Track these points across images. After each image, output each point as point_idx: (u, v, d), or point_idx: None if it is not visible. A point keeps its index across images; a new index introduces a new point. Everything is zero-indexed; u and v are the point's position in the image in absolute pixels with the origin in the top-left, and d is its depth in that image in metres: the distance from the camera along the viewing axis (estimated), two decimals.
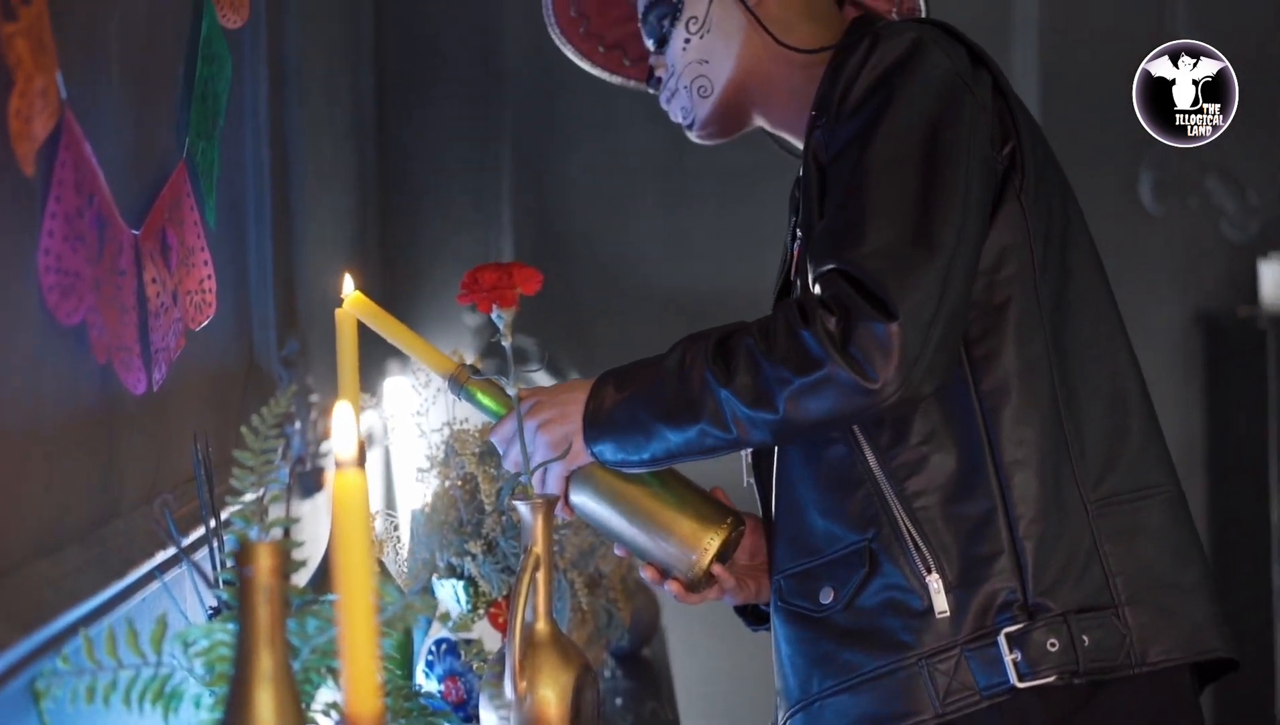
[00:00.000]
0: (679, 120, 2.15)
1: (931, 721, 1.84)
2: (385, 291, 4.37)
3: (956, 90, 1.86)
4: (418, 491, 2.44)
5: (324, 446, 3.05)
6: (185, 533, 1.81)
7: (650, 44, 2.15)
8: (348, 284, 1.97)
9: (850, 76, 1.88)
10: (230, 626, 1.41)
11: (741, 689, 4.07)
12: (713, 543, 1.97)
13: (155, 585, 1.75)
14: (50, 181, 1.44)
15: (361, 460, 1.94)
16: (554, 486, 1.96)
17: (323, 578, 1.93)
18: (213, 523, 1.77)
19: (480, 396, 2.00)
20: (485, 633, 2.38)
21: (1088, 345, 1.93)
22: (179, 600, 1.82)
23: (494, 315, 1.91)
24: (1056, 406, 1.87)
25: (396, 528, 2.36)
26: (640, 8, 2.15)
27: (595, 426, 1.91)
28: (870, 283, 1.75)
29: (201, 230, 1.95)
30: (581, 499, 1.98)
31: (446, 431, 2.32)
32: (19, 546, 1.45)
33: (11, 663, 1.35)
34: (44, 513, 1.52)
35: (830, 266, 1.79)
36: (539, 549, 1.91)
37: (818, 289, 1.80)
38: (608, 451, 1.92)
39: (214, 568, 1.75)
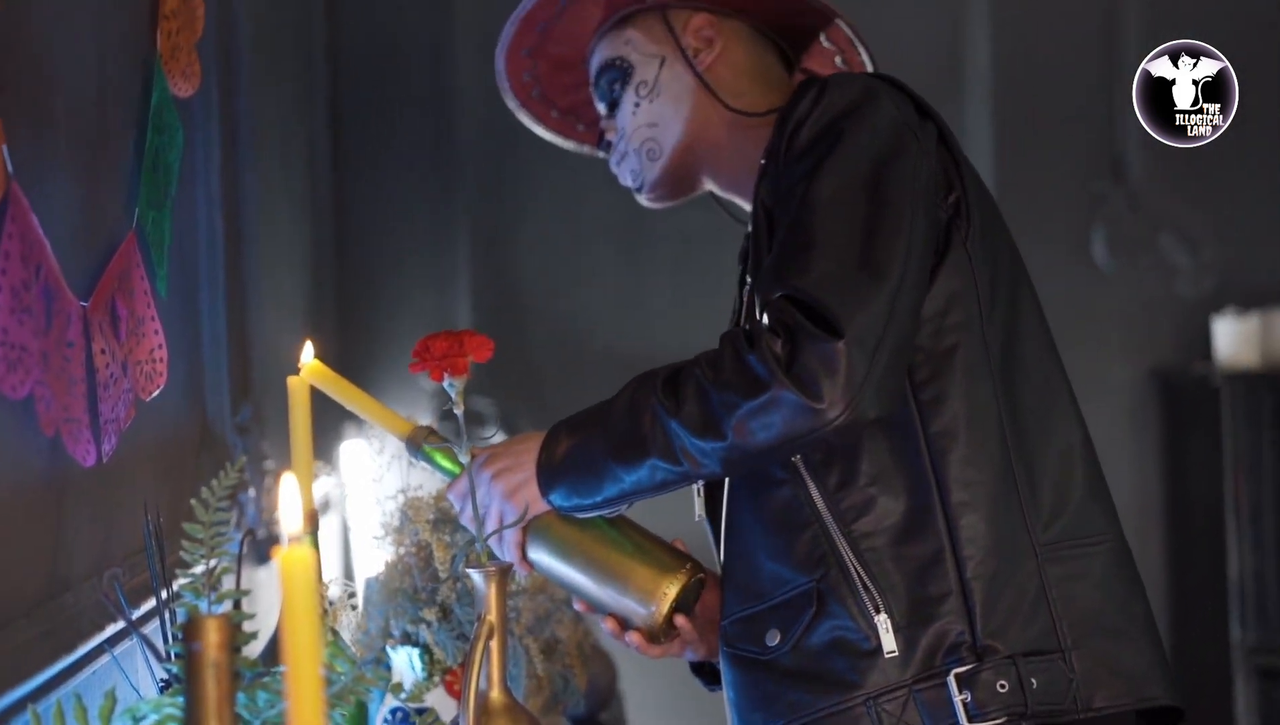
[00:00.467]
0: (628, 183, 2.17)
1: None
2: (342, 356, 4.35)
3: (903, 136, 1.88)
4: (374, 558, 2.43)
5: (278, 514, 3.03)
6: (136, 605, 1.79)
7: (601, 108, 2.16)
8: (307, 352, 1.97)
9: (799, 121, 1.90)
10: (180, 700, 1.40)
11: None
12: (671, 589, 1.97)
13: (105, 659, 1.74)
14: None
15: (314, 530, 1.94)
16: (510, 541, 1.96)
17: (276, 647, 1.92)
18: (164, 594, 1.76)
19: (437, 458, 2.00)
20: (441, 701, 2.36)
21: (1035, 393, 1.94)
22: (130, 674, 1.80)
23: (446, 383, 1.91)
24: (1006, 450, 1.88)
25: (352, 595, 2.35)
26: (592, 72, 2.17)
27: (549, 473, 1.91)
28: (816, 305, 1.76)
29: (152, 300, 1.94)
30: (538, 553, 1.98)
31: (401, 498, 2.31)
32: None
33: None
34: None
35: (777, 294, 1.80)
36: (493, 617, 1.90)
37: (765, 318, 1.81)
38: (562, 497, 1.92)
39: (165, 641, 1.74)
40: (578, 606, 2.06)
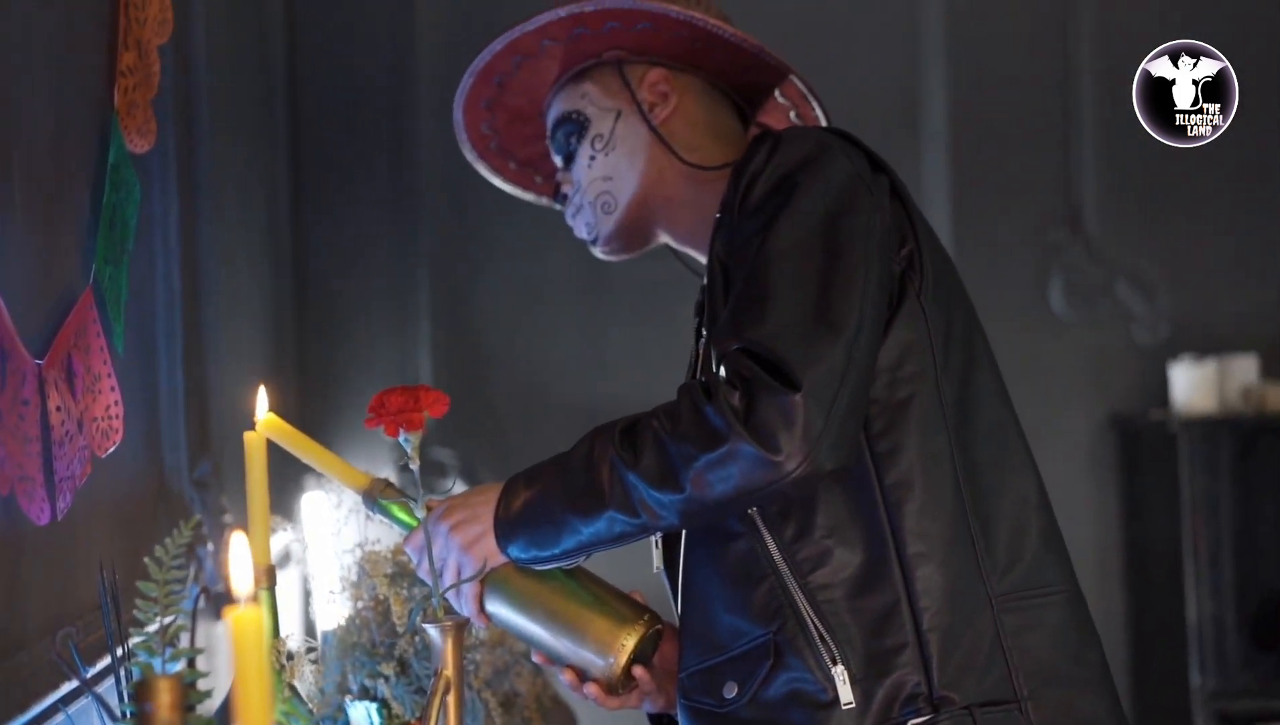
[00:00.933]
0: (583, 236, 2.18)
1: None
2: (302, 409, 4.35)
3: (857, 189, 1.90)
4: (335, 612, 2.43)
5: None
6: (92, 663, 1.79)
7: (558, 160, 2.18)
8: (261, 405, 1.97)
9: (753, 175, 1.92)
10: None
11: None
12: (629, 640, 1.97)
13: (59, 718, 1.73)
14: None
15: (271, 585, 1.94)
16: (468, 594, 1.96)
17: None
18: (119, 653, 1.75)
19: (394, 511, 2.00)
20: None
21: (989, 444, 1.96)
22: None
23: (401, 439, 1.91)
24: (961, 501, 1.89)
25: (312, 649, 2.34)
26: (549, 125, 2.18)
27: (506, 525, 1.92)
28: (773, 357, 1.77)
29: (108, 356, 1.94)
30: (496, 606, 1.98)
31: (359, 552, 2.31)
32: None
33: None
34: None
35: (733, 346, 1.81)
36: (449, 671, 1.91)
37: (722, 370, 1.82)
38: (520, 549, 1.92)
39: (120, 700, 1.73)
40: (536, 659, 2.06)
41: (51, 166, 1.91)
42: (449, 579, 1.95)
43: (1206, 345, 4.67)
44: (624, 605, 2.01)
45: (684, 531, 1.98)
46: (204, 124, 3.15)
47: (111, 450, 1.94)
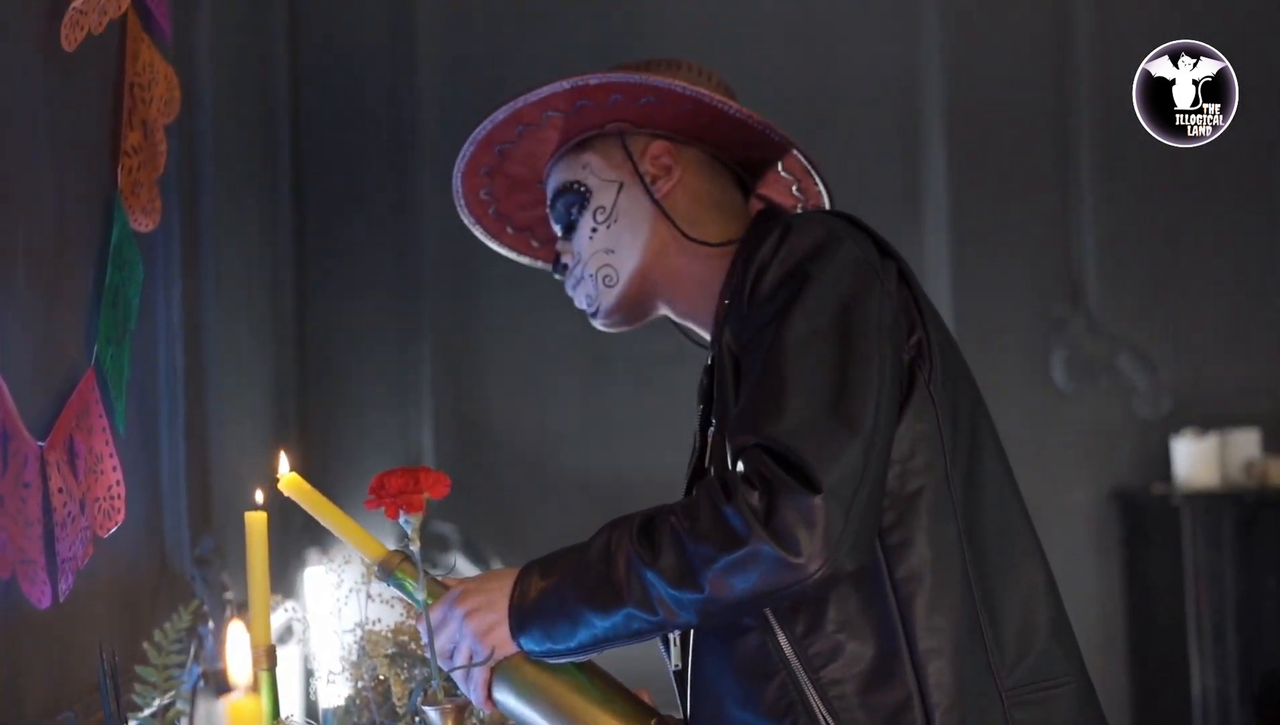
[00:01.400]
0: (583, 306, 2.17)
1: None
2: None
3: (867, 277, 1.89)
4: (336, 690, 2.41)
5: None
6: None
7: (558, 229, 2.16)
8: (283, 463, 1.96)
9: (763, 264, 1.91)
10: None
11: None
12: None
13: None
14: None
15: (271, 666, 1.94)
16: (477, 680, 1.95)
17: None
18: None
19: (409, 587, 1.98)
20: None
21: (997, 533, 1.94)
22: None
23: (401, 520, 1.91)
24: (970, 594, 1.88)
25: None
26: (549, 194, 2.17)
27: (520, 615, 1.90)
28: (792, 457, 1.75)
29: (110, 436, 1.95)
30: (504, 694, 1.97)
31: (359, 632, 2.30)
32: None
33: None
34: None
35: (751, 442, 1.79)
36: None
37: (739, 466, 1.80)
38: (533, 641, 1.90)
39: None
40: None
41: (54, 246, 1.92)
42: (460, 663, 1.93)
43: (1208, 419, 4.68)
44: (632, 705, 1.99)
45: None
46: (209, 202, 3.16)
47: (113, 530, 1.94)
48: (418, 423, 4.69)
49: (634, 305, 2.13)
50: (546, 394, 4.72)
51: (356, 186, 4.70)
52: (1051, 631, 1.94)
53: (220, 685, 2.83)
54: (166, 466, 2.72)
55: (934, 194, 4.81)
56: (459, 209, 2.27)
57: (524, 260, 2.36)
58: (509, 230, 2.32)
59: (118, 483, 1.96)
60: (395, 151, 4.71)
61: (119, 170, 2.11)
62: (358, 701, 2.28)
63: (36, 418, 1.71)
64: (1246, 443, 4.58)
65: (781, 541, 1.73)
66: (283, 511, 3.92)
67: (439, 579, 1.99)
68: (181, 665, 1.55)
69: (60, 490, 1.73)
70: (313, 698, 3.63)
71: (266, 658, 1.93)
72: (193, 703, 1.61)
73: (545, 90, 2.07)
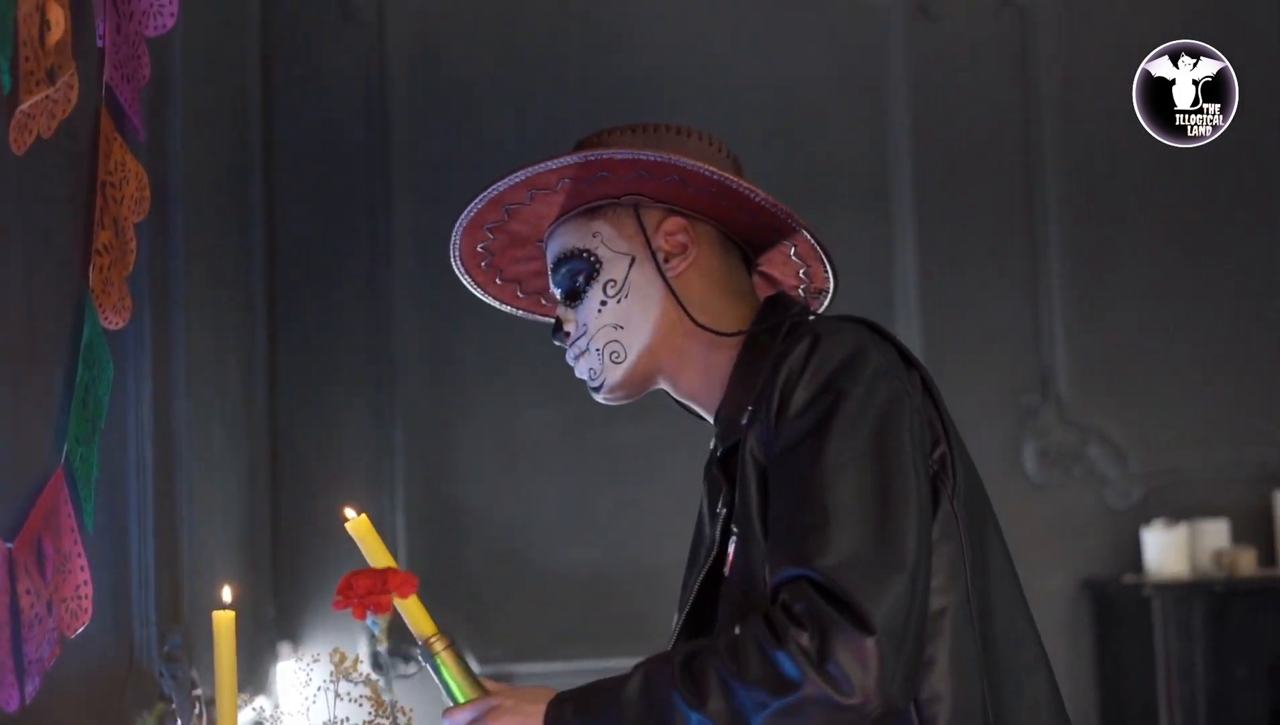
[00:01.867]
0: (584, 377, 2.12)
1: None
2: (276, 581, 4.33)
3: (898, 394, 1.87)
4: None
5: None
6: None
7: (559, 294, 2.11)
8: (350, 511, 1.95)
9: (792, 376, 1.87)
10: None
11: None
12: None
13: None
14: None
15: None
16: None
17: None
18: None
19: (445, 672, 1.95)
20: None
21: (1009, 645, 1.91)
22: None
23: (369, 621, 1.90)
24: (986, 710, 1.85)
25: None
26: (551, 257, 2.12)
27: None
28: (842, 594, 1.73)
29: (79, 535, 1.95)
30: None
31: None
32: None
33: None
34: None
35: (796, 573, 1.77)
36: None
37: (783, 597, 1.77)
38: None
39: None
40: None
41: (24, 346, 1.92)
42: None
43: (1178, 509, 4.71)
44: None
45: None
46: (180, 299, 3.16)
47: (81, 630, 1.94)
48: (391, 515, 4.68)
49: (638, 382, 2.09)
50: (522, 485, 4.71)
51: (330, 278, 4.72)
52: None
53: None
54: (135, 563, 2.71)
55: (903, 284, 4.84)
56: (454, 261, 2.21)
57: (505, 308, 2.32)
58: (498, 281, 2.27)
59: (85, 582, 1.95)
60: (371, 244, 4.72)
61: (90, 269, 2.12)
62: None
63: (4, 518, 1.71)
64: (1216, 533, 4.60)
65: (836, 685, 1.71)
66: (253, 607, 3.91)
67: (480, 679, 1.96)
68: None
69: (28, 592, 1.72)
70: None
71: None
72: None
73: (565, 160, 2.01)
